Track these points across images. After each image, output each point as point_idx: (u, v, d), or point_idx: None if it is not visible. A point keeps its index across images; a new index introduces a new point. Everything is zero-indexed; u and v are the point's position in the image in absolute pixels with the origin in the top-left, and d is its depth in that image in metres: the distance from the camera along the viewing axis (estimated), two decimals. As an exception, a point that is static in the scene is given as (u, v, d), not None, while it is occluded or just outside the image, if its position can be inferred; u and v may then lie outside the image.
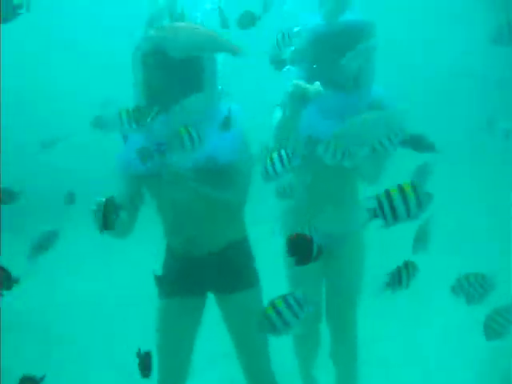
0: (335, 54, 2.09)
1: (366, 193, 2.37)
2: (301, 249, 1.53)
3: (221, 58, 2.13)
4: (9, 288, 1.55)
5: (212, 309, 2.26)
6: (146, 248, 2.30)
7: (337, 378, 2.71)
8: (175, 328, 2.16)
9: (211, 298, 2.26)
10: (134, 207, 2.11)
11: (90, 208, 1.76)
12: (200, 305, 2.22)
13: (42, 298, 4.74)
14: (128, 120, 1.85)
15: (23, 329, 4.16)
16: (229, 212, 2.12)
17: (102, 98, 2.03)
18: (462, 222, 4.96)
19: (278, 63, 2.02)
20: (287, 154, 1.74)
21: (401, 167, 2.24)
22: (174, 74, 1.95)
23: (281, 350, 1.65)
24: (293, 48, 2.01)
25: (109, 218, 1.61)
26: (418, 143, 1.90)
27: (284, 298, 1.56)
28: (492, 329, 1.86)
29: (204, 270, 2.13)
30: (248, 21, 2.12)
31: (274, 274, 2.52)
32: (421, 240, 2.03)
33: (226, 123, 1.96)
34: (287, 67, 2.06)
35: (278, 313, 1.54)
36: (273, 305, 1.55)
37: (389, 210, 1.39)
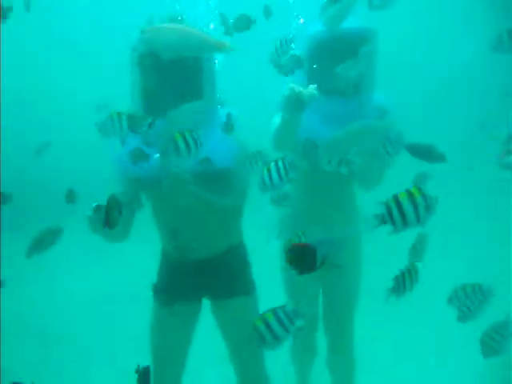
0: (335, 60, 2.08)
1: (364, 198, 2.37)
2: (304, 259, 1.50)
3: (220, 58, 2.13)
4: None
5: (209, 311, 2.26)
6: (145, 247, 2.30)
7: None
8: (169, 333, 2.15)
9: (207, 305, 2.24)
10: (131, 211, 2.09)
11: (86, 214, 1.75)
12: (195, 310, 2.21)
13: (41, 298, 4.74)
14: (119, 124, 1.85)
15: (23, 329, 4.16)
16: (227, 217, 2.11)
17: (97, 101, 2.02)
18: (461, 227, 4.94)
19: (282, 68, 2.01)
20: (284, 166, 1.72)
21: (398, 174, 2.24)
22: (171, 76, 1.94)
23: (277, 357, 1.65)
24: (290, 54, 2.00)
25: (111, 215, 1.59)
26: (428, 153, 1.89)
27: (274, 312, 1.54)
28: (489, 346, 1.84)
29: (200, 274, 2.12)
30: (243, 24, 2.11)
31: (269, 280, 2.51)
32: (417, 250, 2.01)
33: (227, 127, 1.96)
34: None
35: (268, 326, 1.53)
36: (263, 318, 1.54)
37: (398, 215, 1.38)
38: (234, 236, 2.18)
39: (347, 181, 2.30)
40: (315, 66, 2.16)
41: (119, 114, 1.85)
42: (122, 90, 2.13)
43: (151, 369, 2.12)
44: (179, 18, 2.05)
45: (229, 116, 1.99)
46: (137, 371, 1.74)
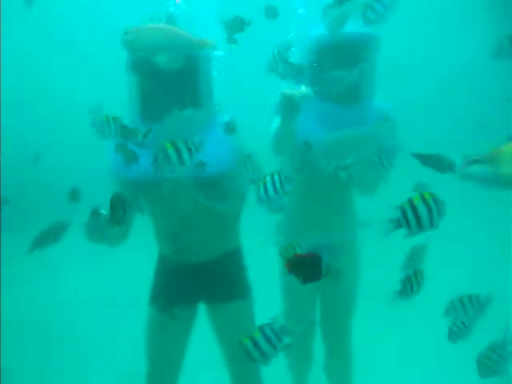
0: (337, 65, 2.07)
1: (361, 203, 2.37)
2: (309, 268, 1.48)
3: (220, 59, 2.13)
4: None
5: (205, 315, 2.25)
6: (146, 250, 2.29)
7: None
8: (166, 337, 2.13)
9: (203, 309, 2.24)
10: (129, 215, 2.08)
11: (82, 221, 1.75)
12: (192, 315, 2.20)
13: (41, 298, 4.73)
14: (113, 126, 1.87)
15: (23, 329, 4.16)
16: (225, 221, 2.11)
17: (93, 103, 2.02)
18: (460, 235, 4.92)
19: (279, 74, 2.01)
20: (280, 179, 1.73)
21: (397, 180, 2.23)
22: (167, 80, 1.93)
23: (273, 362, 1.65)
24: (286, 62, 1.99)
25: (116, 213, 1.56)
26: (437, 163, 1.89)
27: (261, 329, 1.54)
28: (486, 366, 1.80)
29: (197, 278, 2.11)
30: (237, 26, 2.11)
31: (266, 284, 2.50)
32: (414, 261, 2.00)
33: (229, 129, 1.96)
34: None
35: (255, 344, 1.53)
36: (250, 335, 1.54)
37: (414, 219, 1.39)
38: (232, 240, 2.18)
39: (345, 186, 2.30)
40: (315, 69, 2.15)
41: (110, 117, 1.88)
42: (121, 91, 2.13)
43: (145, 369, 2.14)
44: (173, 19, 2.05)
45: (231, 118, 1.99)
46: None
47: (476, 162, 1.36)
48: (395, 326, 3.82)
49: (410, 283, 1.72)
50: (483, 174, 1.35)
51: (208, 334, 2.24)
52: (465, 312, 1.84)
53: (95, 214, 1.75)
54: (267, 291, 2.55)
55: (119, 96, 2.09)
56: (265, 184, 1.73)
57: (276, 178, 1.73)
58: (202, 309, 2.23)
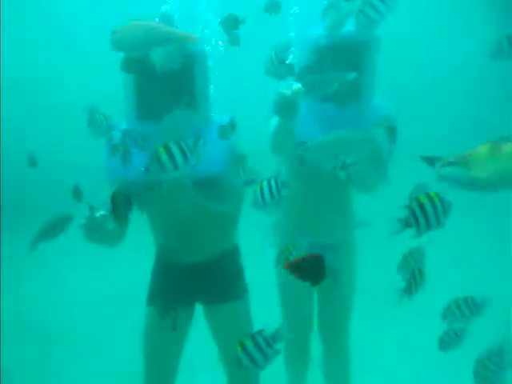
0: (337, 67, 2.05)
1: (360, 202, 2.36)
2: (313, 271, 1.48)
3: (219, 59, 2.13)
4: None
5: (202, 315, 2.25)
6: (146, 247, 2.29)
7: None
8: (163, 338, 2.12)
9: (199, 309, 2.23)
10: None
11: (80, 222, 1.74)
12: (189, 315, 2.19)
13: (41, 298, 4.73)
14: (105, 123, 1.88)
15: (23, 329, 4.16)
16: (224, 222, 2.11)
17: (87, 104, 2.03)
18: (460, 242, 4.91)
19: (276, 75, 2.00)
20: (276, 184, 1.72)
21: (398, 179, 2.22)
22: (163, 81, 1.93)
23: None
24: (283, 62, 1.98)
25: (118, 210, 1.54)
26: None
27: (252, 337, 1.53)
28: (482, 376, 1.77)
29: (194, 278, 2.11)
30: (232, 24, 2.10)
31: (264, 283, 2.49)
32: (408, 263, 1.99)
33: (230, 129, 1.95)
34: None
35: (247, 352, 1.52)
36: (241, 343, 1.53)
37: (423, 218, 1.40)
38: (229, 240, 2.18)
39: (344, 185, 2.29)
40: (314, 70, 2.14)
41: (102, 116, 1.88)
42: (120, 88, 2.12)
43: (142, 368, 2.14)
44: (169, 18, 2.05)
45: (229, 120, 1.99)
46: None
47: (450, 163, 1.37)
48: (394, 326, 3.81)
49: (415, 282, 1.72)
50: (456, 176, 1.37)
51: (204, 335, 2.24)
52: (461, 314, 1.84)
53: (93, 214, 1.74)
54: (265, 291, 2.55)
55: (119, 93, 2.09)
56: (261, 189, 1.73)
57: (272, 182, 1.73)
58: (199, 309, 2.23)
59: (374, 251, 2.90)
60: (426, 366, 3.42)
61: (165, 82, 1.93)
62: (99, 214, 1.75)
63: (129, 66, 1.83)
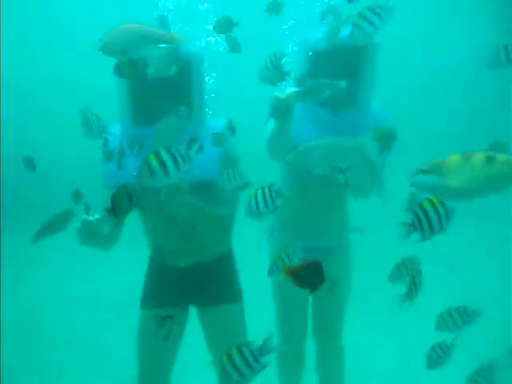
0: (335, 72, 2.04)
1: (355, 206, 2.36)
2: (313, 277, 1.51)
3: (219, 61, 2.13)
4: None
5: (196, 318, 2.25)
6: (145, 249, 2.29)
7: None
8: (156, 340, 2.07)
9: (194, 312, 2.23)
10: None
11: (75, 226, 1.74)
12: (183, 317, 2.19)
13: (41, 298, 4.74)
14: (92, 126, 1.89)
15: (23, 329, 4.16)
16: (219, 225, 2.11)
17: (82, 105, 2.04)
18: (460, 250, 4.91)
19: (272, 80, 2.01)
20: (271, 193, 1.72)
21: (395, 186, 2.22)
22: (158, 87, 1.93)
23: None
24: (277, 68, 1.99)
25: (118, 207, 1.52)
26: None
27: (239, 350, 1.52)
28: None
29: (188, 281, 2.11)
30: (225, 26, 2.10)
31: (258, 289, 2.49)
32: (401, 272, 1.99)
33: (230, 132, 1.95)
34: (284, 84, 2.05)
35: (234, 365, 1.51)
36: (228, 355, 1.52)
37: (426, 223, 1.42)
38: (224, 243, 2.18)
39: (340, 189, 2.29)
40: (311, 74, 2.13)
41: (94, 117, 1.90)
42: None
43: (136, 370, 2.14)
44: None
45: (230, 121, 1.99)
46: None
47: (423, 171, 1.38)
48: (389, 330, 3.80)
49: (415, 286, 1.72)
50: (430, 184, 1.39)
51: (198, 338, 2.23)
52: (454, 324, 1.83)
53: (88, 218, 1.74)
54: (259, 296, 2.54)
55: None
56: (256, 198, 1.73)
57: (266, 191, 1.73)
58: (193, 312, 2.23)
59: (368, 255, 2.88)
60: (422, 371, 3.42)
61: (158, 86, 1.92)
62: (94, 217, 1.75)
63: (121, 70, 1.83)
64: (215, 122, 2.08)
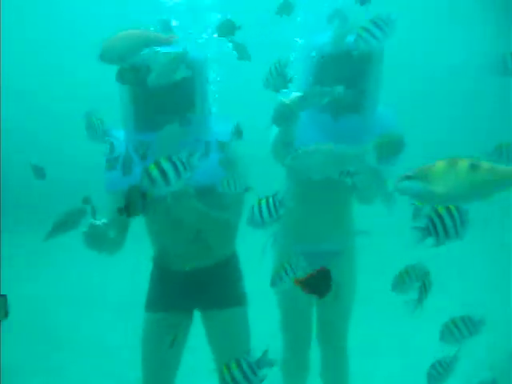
0: (339, 77, 2.05)
1: (360, 209, 2.36)
2: (320, 284, 1.54)
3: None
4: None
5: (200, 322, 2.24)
6: (146, 254, 2.29)
7: None
8: (161, 344, 2.10)
9: (198, 316, 2.23)
10: (124, 223, 2.06)
11: (82, 230, 1.74)
12: (187, 322, 2.18)
13: (42, 297, 4.74)
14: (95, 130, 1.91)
15: (23, 329, 4.16)
16: (226, 228, 2.11)
17: (87, 107, 2.04)
18: (459, 260, 4.89)
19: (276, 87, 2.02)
20: (274, 203, 1.73)
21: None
22: (159, 91, 1.91)
23: (267, 372, 1.66)
24: (289, 76, 2.00)
25: (132, 205, 1.52)
26: None
27: (238, 363, 1.54)
28: None
29: (193, 285, 2.11)
30: (228, 29, 2.10)
31: (262, 291, 2.48)
32: (405, 281, 1.99)
33: (237, 135, 1.96)
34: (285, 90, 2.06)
35: (233, 378, 1.54)
36: (228, 368, 1.54)
37: (441, 228, 1.44)
38: (229, 247, 2.18)
39: (345, 193, 2.29)
40: (317, 79, 2.14)
41: (97, 120, 1.91)
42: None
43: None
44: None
45: (237, 125, 1.99)
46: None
47: (408, 177, 1.40)
48: (394, 334, 3.80)
49: (425, 289, 1.72)
50: (416, 190, 1.39)
51: (202, 342, 2.23)
52: (459, 333, 1.82)
53: (94, 222, 1.74)
54: (263, 299, 2.53)
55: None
56: (260, 208, 1.73)
57: (270, 201, 1.73)
58: (197, 315, 2.23)
59: (374, 258, 2.88)
60: (426, 375, 3.42)
61: (161, 92, 1.91)
62: (101, 222, 1.75)
63: (123, 77, 1.83)
64: (221, 126, 2.07)
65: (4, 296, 1.40)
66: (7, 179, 6.15)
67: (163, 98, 1.93)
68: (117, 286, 4.78)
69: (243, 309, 2.15)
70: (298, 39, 2.36)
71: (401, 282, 1.91)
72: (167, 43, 1.93)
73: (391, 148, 1.87)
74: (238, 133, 1.97)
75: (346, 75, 2.07)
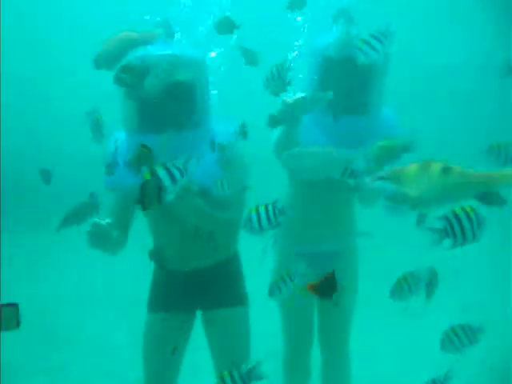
0: (343, 80, 2.06)
1: (362, 210, 2.36)
2: (327, 288, 1.56)
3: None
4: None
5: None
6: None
7: None
8: (163, 344, 2.11)
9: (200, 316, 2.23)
10: (126, 222, 2.07)
11: (86, 229, 1.74)
12: (189, 322, 2.18)
13: (41, 297, 4.74)
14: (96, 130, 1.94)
15: (23, 328, 4.15)
16: (228, 228, 2.11)
17: (88, 107, 2.05)
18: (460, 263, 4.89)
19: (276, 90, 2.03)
20: (274, 210, 1.72)
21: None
22: (162, 99, 1.92)
23: (268, 375, 1.66)
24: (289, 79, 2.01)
25: (147, 197, 1.51)
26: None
27: (230, 374, 1.59)
28: None
29: (194, 285, 2.11)
30: (226, 27, 2.10)
31: (263, 291, 2.48)
32: (408, 288, 1.99)
33: (242, 135, 1.96)
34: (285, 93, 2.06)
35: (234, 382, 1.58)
36: (222, 377, 1.59)
37: (459, 229, 1.41)
38: (230, 246, 2.18)
39: (346, 193, 2.29)
40: (320, 80, 2.14)
41: (99, 120, 1.93)
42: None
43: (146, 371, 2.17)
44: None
45: (242, 125, 1.99)
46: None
47: (381, 178, 1.39)
48: (395, 337, 3.78)
49: (432, 288, 1.72)
50: (387, 192, 1.40)
51: (204, 342, 2.23)
52: (459, 341, 1.82)
53: (99, 222, 1.74)
54: (264, 299, 2.53)
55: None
56: (258, 214, 1.73)
57: (270, 208, 1.72)
58: (199, 316, 2.22)
59: (376, 261, 2.87)
60: (427, 378, 3.42)
61: (161, 93, 1.91)
62: (105, 221, 1.76)
63: (121, 79, 1.83)
64: (224, 127, 2.07)
65: (16, 305, 1.38)
66: (7, 179, 6.15)
67: (163, 99, 1.92)
68: (117, 286, 4.77)
69: (244, 309, 2.14)
70: (297, 42, 2.36)
71: (399, 289, 1.90)
72: (151, 39, 1.96)
73: (393, 152, 1.87)
74: (243, 133, 1.96)
75: (349, 77, 2.07)
